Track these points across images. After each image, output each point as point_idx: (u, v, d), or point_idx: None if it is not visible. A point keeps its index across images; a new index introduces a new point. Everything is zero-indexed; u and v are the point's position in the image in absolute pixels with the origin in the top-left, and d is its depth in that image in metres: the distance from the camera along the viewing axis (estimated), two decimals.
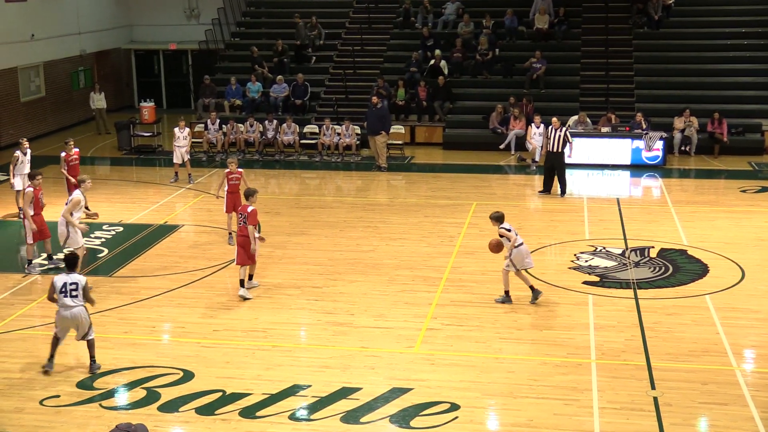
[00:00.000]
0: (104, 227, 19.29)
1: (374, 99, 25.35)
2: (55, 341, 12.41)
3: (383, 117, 25.09)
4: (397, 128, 26.83)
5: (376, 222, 19.65)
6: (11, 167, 19.78)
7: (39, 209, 16.49)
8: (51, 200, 20.07)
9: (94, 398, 11.54)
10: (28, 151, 19.91)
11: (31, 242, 16.56)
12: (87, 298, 12.38)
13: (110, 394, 11.71)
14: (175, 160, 23.28)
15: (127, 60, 35.98)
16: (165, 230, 19.20)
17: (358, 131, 26.31)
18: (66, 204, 15.55)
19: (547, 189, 21.84)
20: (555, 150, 21.61)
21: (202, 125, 27.18)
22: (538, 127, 24.52)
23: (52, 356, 12.38)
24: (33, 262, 16.62)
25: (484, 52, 29.34)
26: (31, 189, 16.50)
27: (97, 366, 12.42)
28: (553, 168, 21.72)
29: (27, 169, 19.52)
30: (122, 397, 11.65)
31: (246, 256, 14.99)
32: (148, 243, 18.32)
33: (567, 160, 21.95)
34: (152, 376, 12.15)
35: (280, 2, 33.85)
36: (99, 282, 16.03)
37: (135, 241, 18.53)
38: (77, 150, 20.64)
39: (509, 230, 14.66)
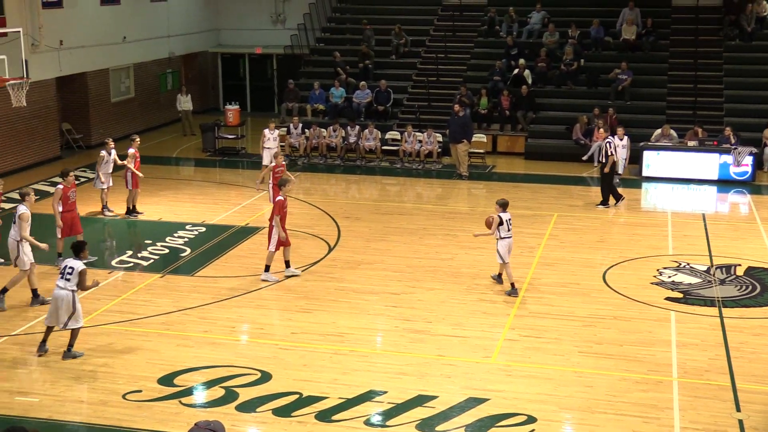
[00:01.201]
0: (187, 227, 19.60)
1: (457, 107, 25.30)
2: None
3: (465, 125, 25.03)
4: (479, 137, 26.73)
5: (455, 230, 19.58)
6: (97, 166, 20.25)
7: (68, 206, 16.90)
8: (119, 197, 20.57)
9: (174, 395, 11.72)
10: (113, 151, 20.33)
11: (60, 237, 16.97)
12: (81, 285, 12.75)
13: (190, 391, 11.88)
14: (264, 162, 23.53)
15: (213, 63, 36.56)
16: (246, 232, 19.44)
17: (440, 139, 26.29)
18: (14, 222, 15.11)
19: (605, 201, 21.81)
20: (600, 161, 21.57)
21: (285, 129, 27.46)
22: (621, 140, 24.17)
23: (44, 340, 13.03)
24: (62, 256, 17.03)
25: (569, 62, 29.06)
26: (60, 186, 16.97)
27: (72, 355, 12.79)
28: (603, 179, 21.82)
29: (111, 169, 20.04)
30: (201, 395, 11.82)
31: (273, 242, 16.08)
32: (229, 244, 18.57)
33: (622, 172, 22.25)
34: (231, 375, 12.29)
35: (366, 9, 34.02)
36: (181, 281, 16.31)
37: (217, 241, 18.79)
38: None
39: (502, 221, 15.55)
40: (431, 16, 33.08)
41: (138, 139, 20.97)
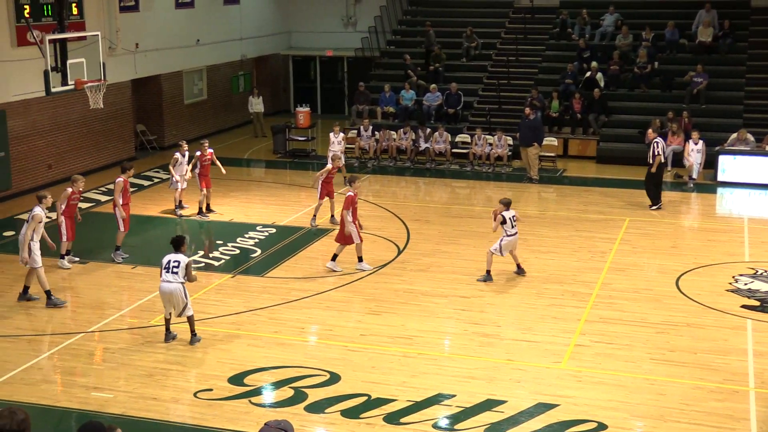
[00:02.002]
0: (258, 228, 19.78)
1: (527, 110, 25.12)
2: (167, 320, 13.48)
3: (536, 128, 24.84)
4: (550, 140, 26.50)
5: (525, 234, 19.37)
6: (170, 168, 20.56)
7: (127, 199, 17.49)
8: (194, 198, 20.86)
9: (244, 394, 11.83)
10: (186, 153, 20.64)
11: (122, 230, 17.48)
12: (188, 276, 13.23)
13: (259, 391, 11.99)
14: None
15: (284, 65, 36.87)
16: (316, 233, 19.55)
17: (511, 142, 26.13)
18: (27, 222, 15.26)
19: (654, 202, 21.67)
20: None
21: (355, 131, 27.57)
22: (696, 144, 23.77)
23: (167, 330, 13.58)
24: (120, 249, 17.63)
25: (642, 65, 28.64)
26: (122, 179, 17.45)
27: (198, 338, 13.37)
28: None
29: (184, 170, 20.37)
30: (271, 395, 11.92)
31: (342, 236, 16.82)
32: (299, 245, 18.70)
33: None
34: (300, 376, 12.36)
35: (437, 12, 33.99)
36: (251, 281, 16.47)
37: (287, 242, 18.94)
38: (211, 151, 20.98)
39: (505, 220, 16.12)
40: (502, 18, 32.91)
41: (206, 143, 21.17)
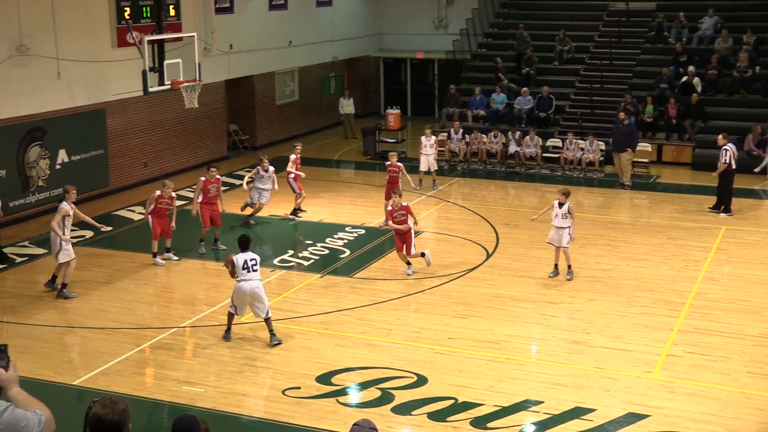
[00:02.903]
0: (347, 229, 19.89)
1: (621, 115, 24.71)
2: (231, 316, 13.54)
3: (630, 133, 24.43)
4: (644, 146, 26.01)
5: (616, 241, 19.13)
6: (246, 177, 20.51)
7: (207, 199, 17.90)
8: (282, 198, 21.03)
9: (331, 393, 11.90)
10: (270, 168, 20.10)
11: (204, 226, 18.00)
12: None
13: (346, 391, 12.05)
14: (421, 168, 23.69)
15: (375, 67, 37.04)
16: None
17: (603, 147, 25.74)
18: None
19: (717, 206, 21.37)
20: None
21: (446, 134, 27.52)
22: None
23: (229, 328, 13.64)
24: (202, 243, 18.15)
25: (742, 70, 27.90)
26: (203, 179, 17.91)
27: (277, 340, 13.41)
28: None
29: (268, 185, 19.95)
30: (358, 395, 11.97)
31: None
32: (388, 247, 18.73)
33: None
34: (387, 377, 12.38)
35: (529, 14, 33.71)
36: (339, 282, 16.57)
37: (376, 244, 19.00)
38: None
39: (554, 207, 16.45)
40: (596, 21, 32.45)
41: (299, 146, 21.32)
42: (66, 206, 15.41)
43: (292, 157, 19.08)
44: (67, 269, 15.48)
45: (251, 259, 13.32)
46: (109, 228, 18.30)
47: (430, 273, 16.87)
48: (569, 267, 16.61)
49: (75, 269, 15.78)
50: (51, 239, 15.63)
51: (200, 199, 17.99)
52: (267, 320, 13.46)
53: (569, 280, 16.45)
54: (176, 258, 17.63)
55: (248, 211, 20.33)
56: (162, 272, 17.15)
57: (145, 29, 20.48)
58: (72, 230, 19.34)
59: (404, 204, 16.96)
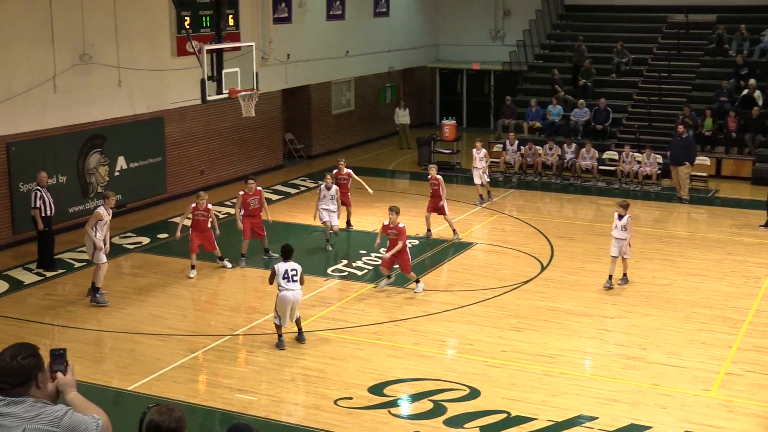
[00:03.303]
0: (454, 238, 19.79)
1: (680, 128, 24.39)
2: (278, 327, 13.69)
3: (688, 147, 24.10)
4: (702, 159, 25.64)
5: (673, 255, 18.86)
6: (318, 205, 19.58)
7: (249, 212, 17.86)
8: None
9: (383, 404, 11.88)
10: (333, 186, 19.48)
11: (244, 238, 17.94)
12: (301, 282, 13.60)
13: (398, 402, 12.02)
14: (475, 181, 23.48)
15: (431, 78, 37.02)
16: (459, 247, 19.49)
17: (660, 160, 25.42)
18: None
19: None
20: None
21: (501, 145, 27.39)
22: None
23: (280, 336, 13.80)
24: (243, 257, 18.09)
25: None
26: (241, 193, 17.94)
27: (304, 339, 13.84)
28: None
29: (331, 206, 19.31)
30: (410, 407, 11.93)
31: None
32: (441, 258, 18.70)
33: None
34: (439, 389, 12.32)
35: (587, 26, 33.46)
36: (392, 292, 16.55)
37: (429, 255, 18.96)
38: (349, 171, 20.61)
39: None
40: (655, 33, 32.09)
41: (343, 162, 20.99)
42: (101, 211, 15.69)
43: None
44: (98, 272, 15.71)
45: (292, 269, 13.52)
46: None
47: (483, 285, 16.78)
48: (624, 275, 16.73)
49: (131, 275, 15.99)
50: (86, 242, 15.95)
51: (242, 212, 17.99)
52: (297, 320, 13.87)
53: (620, 285, 16.54)
54: (230, 265, 17.77)
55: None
56: (216, 280, 17.30)
57: (204, 38, 20.74)
58: (127, 236, 19.75)
59: (400, 225, 16.46)
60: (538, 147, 26.83)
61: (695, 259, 18.58)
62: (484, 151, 23.59)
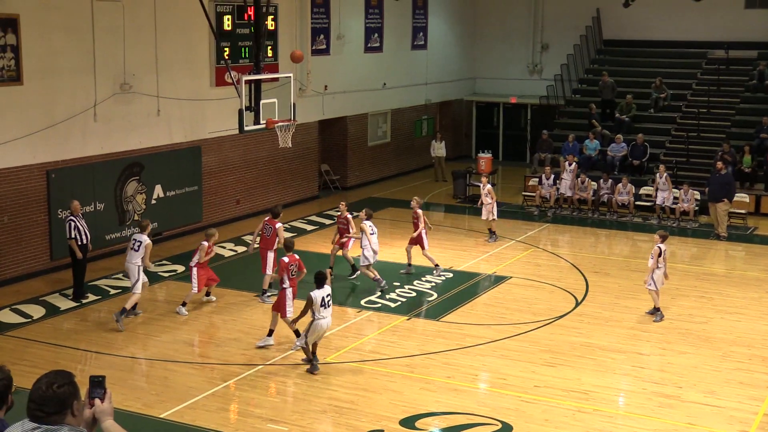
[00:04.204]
0: (434, 272, 19.79)
1: (719, 164, 24.18)
2: (306, 350, 13.94)
3: (727, 184, 23.87)
4: (741, 196, 25.37)
5: (711, 293, 18.63)
6: (367, 236, 18.73)
7: (202, 264, 17.11)
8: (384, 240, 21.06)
9: None
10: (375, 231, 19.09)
11: (268, 272, 17.84)
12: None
13: None
14: (482, 217, 22.95)
15: (468, 111, 37.06)
16: (493, 280, 19.41)
17: (698, 196, 25.19)
18: (134, 249, 16.39)
19: None
20: None
21: (537, 179, 27.31)
22: None
23: (314, 354, 13.98)
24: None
25: None
26: (280, 225, 17.91)
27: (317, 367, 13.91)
28: None
29: (365, 240, 18.64)
30: None
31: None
32: (475, 291, 18.61)
33: None
34: (471, 423, 12.23)
35: (625, 61, 33.40)
36: (426, 325, 16.50)
37: (463, 288, 18.89)
38: (349, 216, 19.49)
39: (660, 252, 16.65)
40: (695, 69, 31.94)
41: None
42: (149, 242, 16.35)
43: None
44: (132, 298, 16.20)
45: (327, 295, 13.69)
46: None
47: (517, 319, 16.67)
48: (656, 308, 16.92)
49: (165, 303, 16.06)
50: (130, 271, 16.29)
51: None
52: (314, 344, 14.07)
53: (655, 321, 16.74)
54: (214, 298, 17.67)
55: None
56: (249, 309, 17.31)
57: (243, 69, 20.95)
58: (162, 264, 19.88)
59: (296, 256, 15.36)
60: (593, 182, 26.42)
61: (733, 297, 18.34)
62: (488, 186, 22.77)
